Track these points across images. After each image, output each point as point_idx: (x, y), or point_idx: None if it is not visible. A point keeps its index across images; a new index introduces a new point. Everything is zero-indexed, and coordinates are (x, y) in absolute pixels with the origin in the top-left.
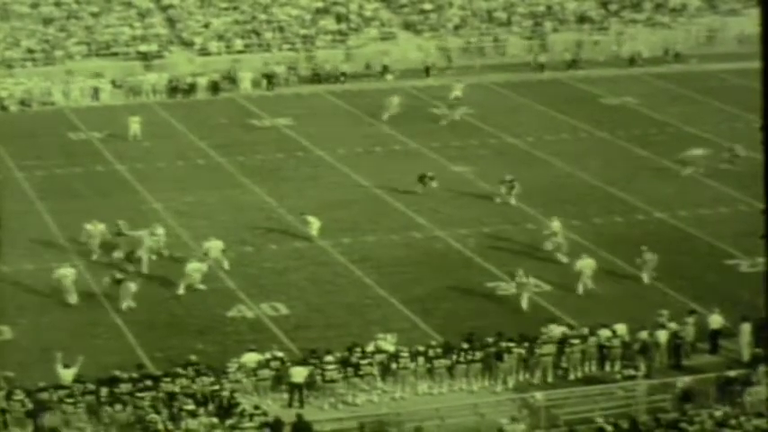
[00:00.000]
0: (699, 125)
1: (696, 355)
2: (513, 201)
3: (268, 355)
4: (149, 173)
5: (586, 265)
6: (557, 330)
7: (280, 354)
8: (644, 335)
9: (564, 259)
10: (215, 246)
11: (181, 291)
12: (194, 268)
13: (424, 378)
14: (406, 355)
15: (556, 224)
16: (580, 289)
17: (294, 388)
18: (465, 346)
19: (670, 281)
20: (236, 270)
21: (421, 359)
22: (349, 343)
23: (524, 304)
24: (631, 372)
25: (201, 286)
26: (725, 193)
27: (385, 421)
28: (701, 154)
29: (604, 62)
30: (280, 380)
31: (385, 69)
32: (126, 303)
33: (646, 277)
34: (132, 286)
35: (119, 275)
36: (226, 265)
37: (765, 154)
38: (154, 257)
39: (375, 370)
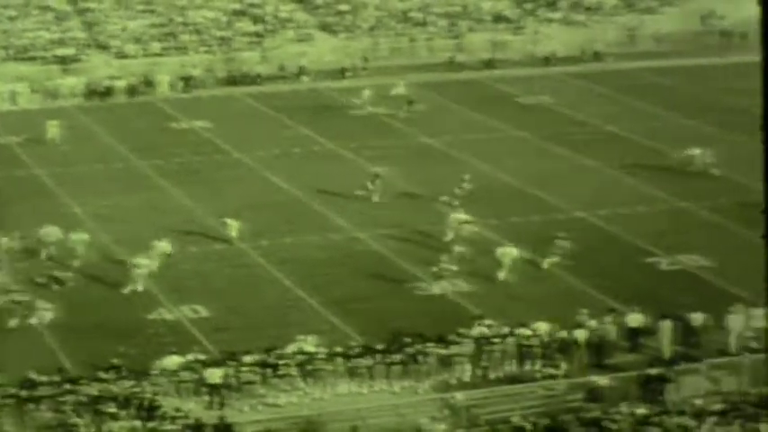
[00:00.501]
0: (617, 123)
1: (617, 353)
2: (376, 197)
3: (190, 357)
4: (68, 177)
5: (506, 253)
6: (475, 330)
7: (202, 356)
8: (564, 333)
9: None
10: (161, 247)
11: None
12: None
13: (343, 379)
14: (323, 355)
15: (460, 216)
16: (500, 277)
17: (213, 390)
18: (385, 346)
19: (590, 279)
20: (156, 273)
21: (340, 359)
22: (268, 344)
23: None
24: (551, 371)
25: (138, 287)
26: (643, 192)
27: (316, 421)
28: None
29: (521, 61)
30: (202, 382)
31: (301, 71)
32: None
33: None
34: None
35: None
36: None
37: (765, 154)
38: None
39: (295, 371)
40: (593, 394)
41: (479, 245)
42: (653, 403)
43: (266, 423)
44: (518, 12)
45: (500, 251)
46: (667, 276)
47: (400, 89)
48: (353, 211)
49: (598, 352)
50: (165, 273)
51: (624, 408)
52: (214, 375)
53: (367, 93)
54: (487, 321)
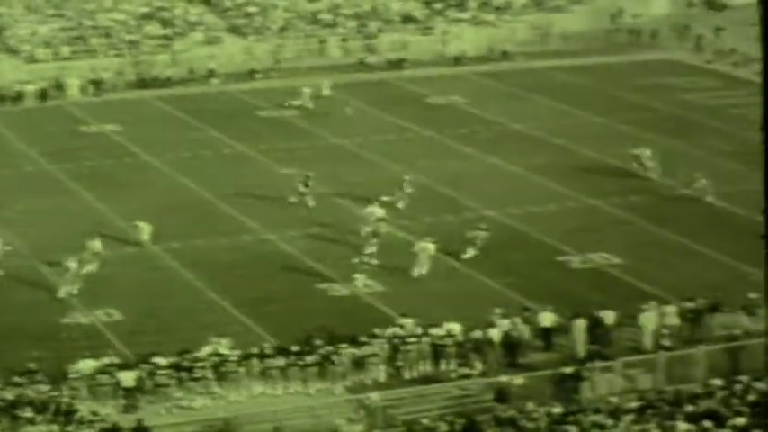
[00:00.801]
0: (527, 122)
1: (531, 352)
2: (311, 202)
3: (106, 361)
4: None
5: (424, 248)
6: (389, 330)
7: (117, 360)
8: (478, 333)
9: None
10: (94, 246)
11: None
12: None
13: (257, 380)
14: (235, 357)
15: (378, 211)
16: (415, 272)
17: (128, 393)
18: (299, 348)
19: (502, 278)
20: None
21: (254, 361)
22: (183, 347)
23: (359, 283)
24: (467, 370)
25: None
26: (553, 190)
27: (231, 424)
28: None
29: (430, 61)
30: (119, 385)
31: (210, 73)
32: None
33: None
34: None
35: None
36: (94, 267)
37: (765, 153)
38: None
39: (209, 373)
40: (501, 394)
41: (393, 244)
42: (568, 402)
43: (182, 426)
44: (427, 12)
45: (418, 245)
46: (579, 275)
47: (327, 90)
48: (264, 212)
49: (512, 351)
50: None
51: (539, 407)
52: (128, 379)
53: (306, 91)
54: (402, 321)
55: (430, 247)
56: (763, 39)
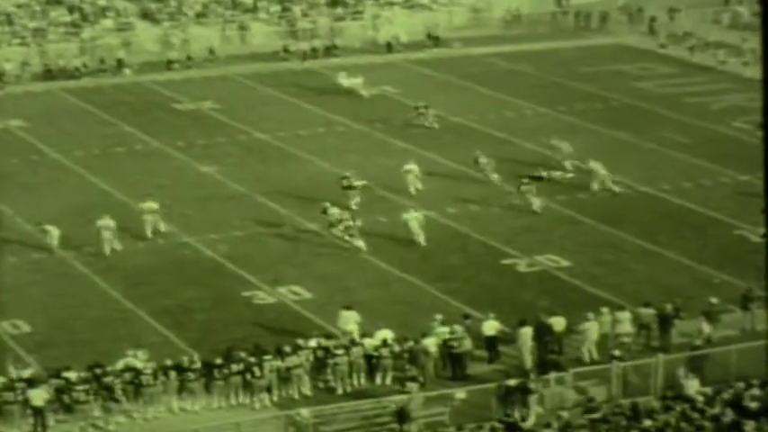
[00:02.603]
0: (465, 114)
1: (473, 363)
2: None
3: (13, 376)
4: None
5: (412, 217)
6: (314, 341)
7: (25, 374)
8: (415, 344)
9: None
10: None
11: None
12: None
13: (178, 396)
14: (149, 371)
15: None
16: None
17: (37, 412)
18: (221, 361)
19: (441, 283)
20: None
21: (173, 375)
22: (97, 360)
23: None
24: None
25: None
26: (495, 187)
27: None
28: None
29: (360, 48)
30: (27, 403)
31: (120, 63)
32: None
33: None
34: None
35: None
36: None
37: (765, 153)
38: None
39: (125, 388)
40: (401, 414)
41: (324, 248)
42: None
43: None
44: None
45: (405, 216)
46: (526, 279)
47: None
48: (182, 213)
49: (456, 362)
50: None
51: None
52: (37, 397)
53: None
54: (330, 331)
55: (418, 215)
56: (763, 39)
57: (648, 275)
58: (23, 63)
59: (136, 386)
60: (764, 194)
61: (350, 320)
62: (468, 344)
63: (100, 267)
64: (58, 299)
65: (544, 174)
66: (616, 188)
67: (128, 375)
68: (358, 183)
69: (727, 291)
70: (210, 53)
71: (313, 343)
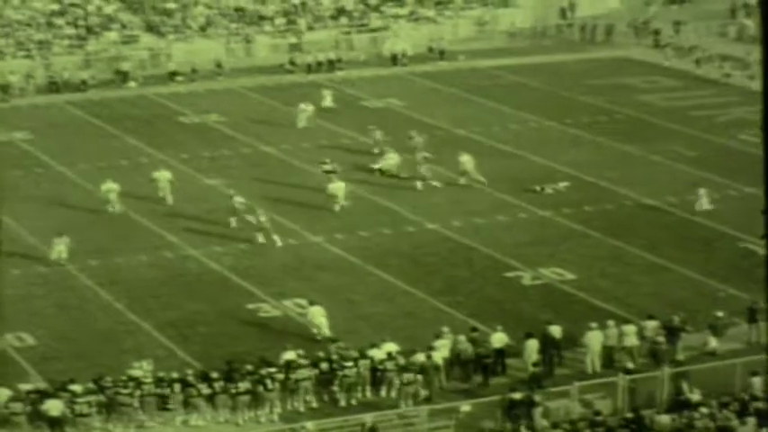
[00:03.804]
0: (470, 127)
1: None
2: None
3: (27, 388)
4: None
5: (338, 187)
6: (322, 353)
7: (29, 386)
8: (420, 357)
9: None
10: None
11: None
12: None
13: (183, 409)
14: (160, 384)
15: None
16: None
17: (54, 423)
18: (226, 373)
19: (446, 296)
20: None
21: (178, 388)
22: (101, 373)
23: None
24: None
25: None
26: (501, 200)
27: None
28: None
29: (365, 62)
30: (38, 415)
31: (125, 76)
32: None
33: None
34: None
35: None
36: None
37: (765, 153)
38: None
39: (131, 401)
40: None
41: (331, 259)
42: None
43: None
44: (361, 7)
45: (330, 187)
46: (530, 292)
47: (328, 101)
48: (187, 226)
49: (459, 375)
50: None
51: None
52: (55, 407)
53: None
54: (337, 344)
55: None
56: (764, 39)
57: (654, 289)
58: (28, 75)
59: (143, 399)
60: (765, 194)
61: (317, 315)
62: (471, 355)
63: (105, 280)
64: (63, 311)
65: (537, 188)
66: (482, 179)
67: (134, 388)
68: (335, 167)
69: (733, 304)
70: (218, 66)
71: (322, 355)
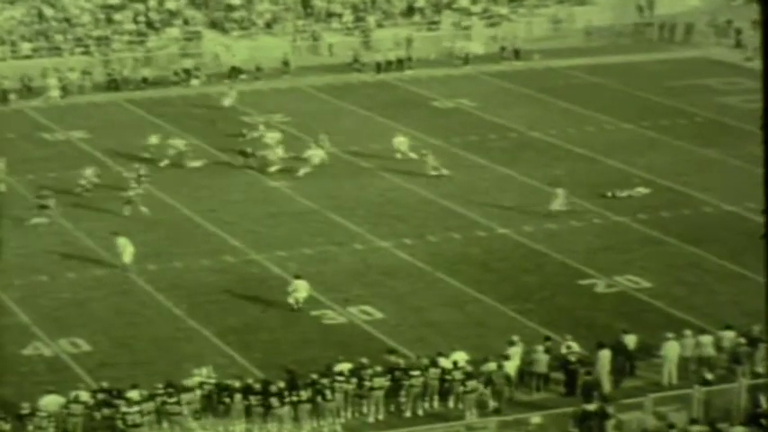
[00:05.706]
0: (544, 128)
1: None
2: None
3: (72, 396)
4: None
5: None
6: (389, 362)
7: (85, 394)
8: (491, 366)
9: None
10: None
11: None
12: None
13: (243, 419)
14: (220, 392)
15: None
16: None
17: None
18: (289, 382)
19: (516, 304)
20: (30, 302)
21: (239, 397)
22: (159, 381)
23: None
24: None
25: None
26: (575, 204)
27: None
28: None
29: (436, 60)
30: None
31: (188, 74)
32: None
33: None
34: None
35: None
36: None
37: (765, 154)
38: None
39: (188, 410)
40: None
41: (398, 265)
42: None
43: None
44: (432, 4)
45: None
46: (604, 300)
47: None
48: (250, 230)
49: (530, 385)
50: (40, 302)
51: None
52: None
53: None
54: (403, 352)
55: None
56: (764, 39)
57: (732, 297)
58: (85, 72)
59: (203, 407)
60: (764, 195)
61: (301, 288)
62: (544, 366)
63: (163, 285)
64: (120, 317)
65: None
66: (443, 172)
67: (194, 396)
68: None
69: None
70: (284, 65)
71: (389, 364)
